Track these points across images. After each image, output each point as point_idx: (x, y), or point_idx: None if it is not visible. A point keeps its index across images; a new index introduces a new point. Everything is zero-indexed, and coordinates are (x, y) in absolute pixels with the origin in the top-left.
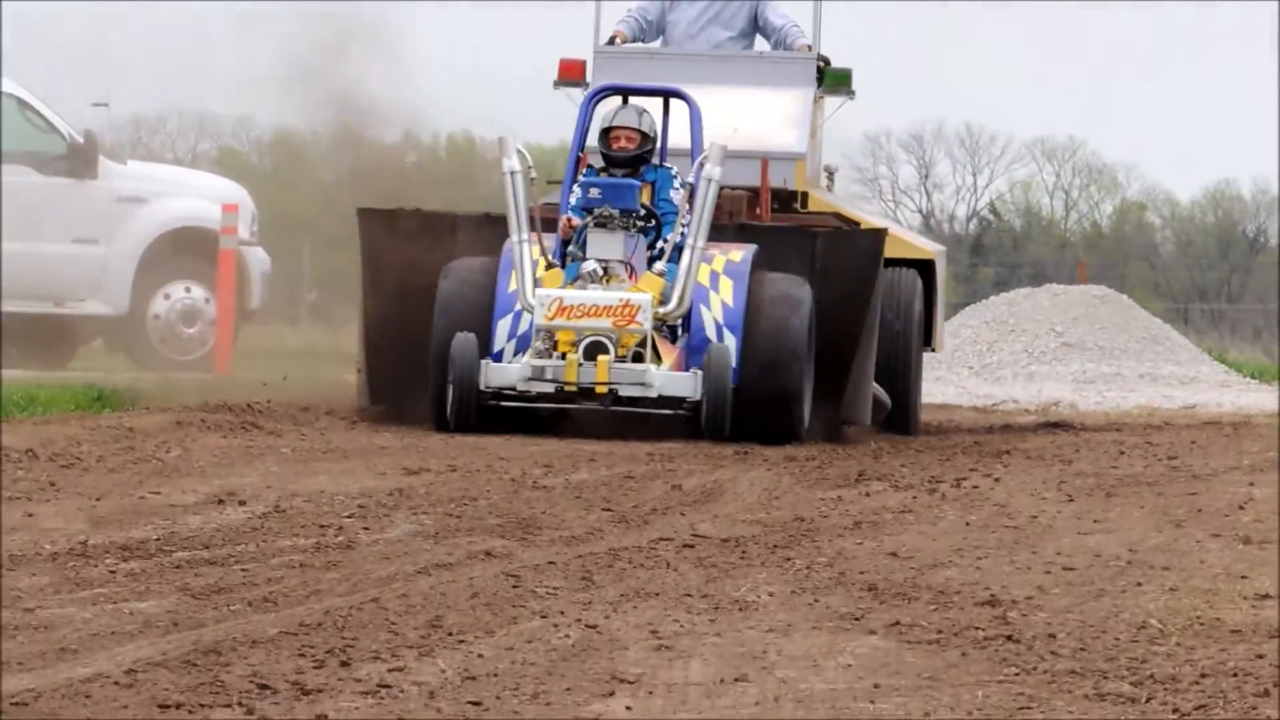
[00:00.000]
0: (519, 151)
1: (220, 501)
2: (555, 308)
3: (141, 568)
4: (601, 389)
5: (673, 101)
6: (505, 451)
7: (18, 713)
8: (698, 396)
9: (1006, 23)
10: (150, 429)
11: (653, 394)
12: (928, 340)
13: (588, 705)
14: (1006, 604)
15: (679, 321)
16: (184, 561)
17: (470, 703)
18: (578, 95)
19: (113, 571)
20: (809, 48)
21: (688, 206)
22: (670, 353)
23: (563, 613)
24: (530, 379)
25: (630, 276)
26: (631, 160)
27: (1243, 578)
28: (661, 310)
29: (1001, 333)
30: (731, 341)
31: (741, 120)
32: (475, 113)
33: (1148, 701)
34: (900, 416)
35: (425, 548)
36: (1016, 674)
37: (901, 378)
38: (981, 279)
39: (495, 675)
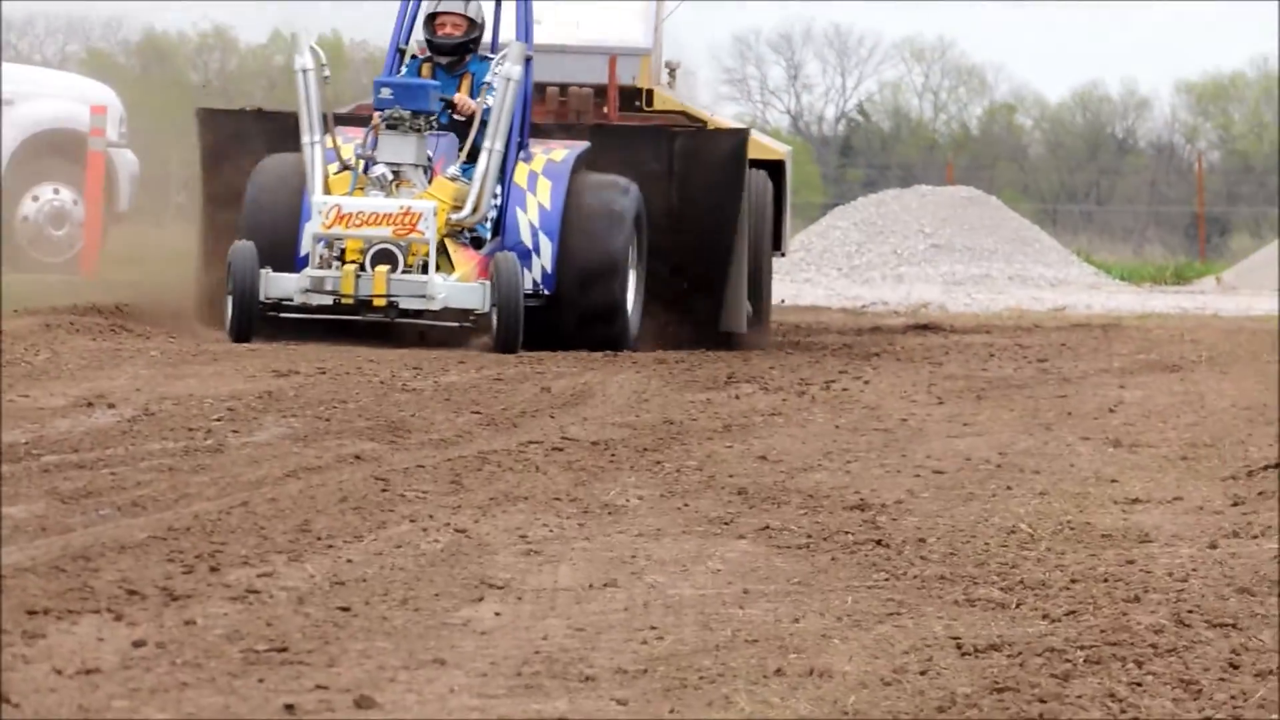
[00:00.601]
0: (312, 49)
1: (89, 404)
2: (333, 216)
3: (10, 471)
4: (380, 301)
5: None
6: (374, 354)
7: None
8: (485, 309)
9: None
10: (18, 332)
11: (436, 306)
12: (776, 244)
13: (457, 610)
14: (876, 508)
15: (486, 227)
16: (52, 465)
17: (339, 608)
18: None
19: None
20: None
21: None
22: (466, 261)
23: (432, 516)
24: (308, 290)
25: (431, 181)
26: (456, 49)
27: (1113, 481)
28: (455, 217)
29: (870, 234)
30: (547, 246)
31: (585, 14)
32: (345, 14)
33: (1018, 606)
34: (753, 321)
35: (294, 451)
36: (886, 579)
37: (753, 281)
38: (850, 180)
39: (364, 580)
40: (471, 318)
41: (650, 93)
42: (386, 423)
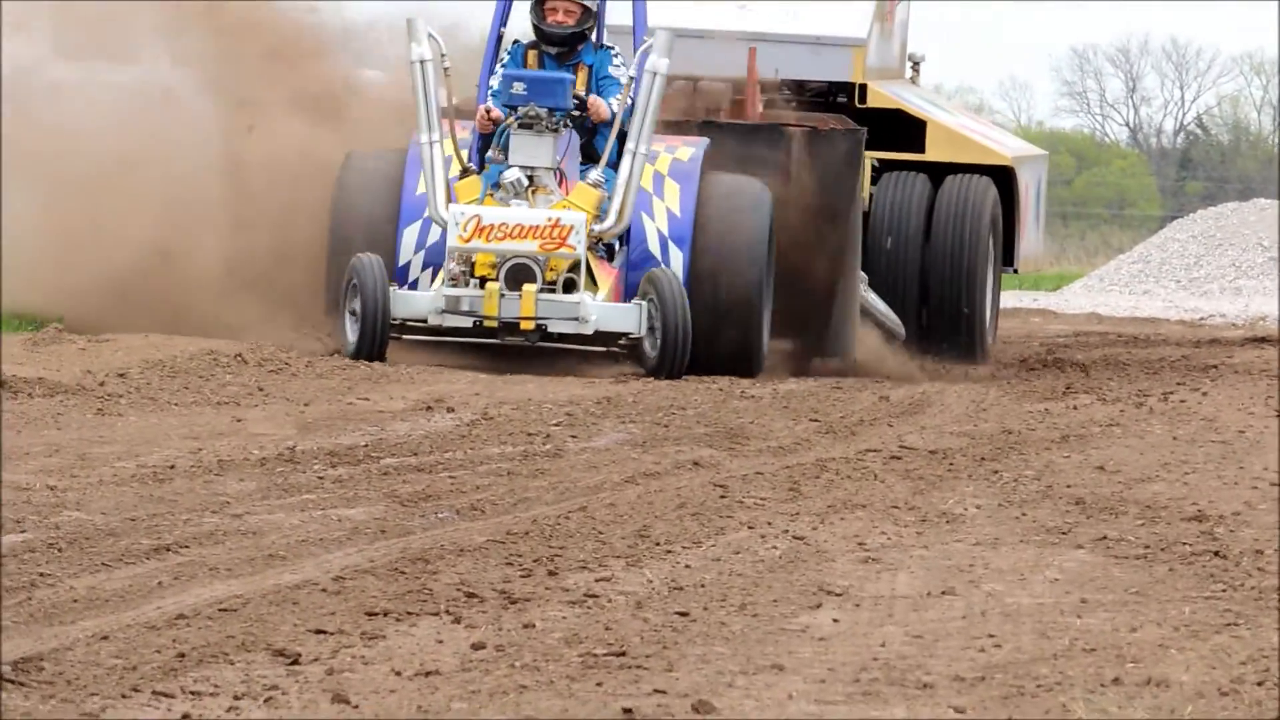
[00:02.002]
0: (431, 36)
1: (428, 408)
2: (472, 227)
3: (349, 474)
4: (528, 324)
5: None
6: None
7: (226, 619)
8: (640, 333)
9: None
10: None
11: (588, 330)
12: (1010, 259)
13: (795, 617)
14: (1214, 519)
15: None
16: (392, 468)
17: (677, 613)
18: None
19: (320, 478)
20: None
21: (629, 102)
22: (607, 277)
23: (770, 523)
24: (444, 310)
25: (561, 185)
26: (569, 38)
27: None
28: (597, 228)
29: (1209, 247)
30: (678, 257)
31: (800, 3)
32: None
33: None
34: (964, 341)
35: (633, 456)
36: (1223, 590)
37: (965, 298)
38: (1190, 192)
39: (702, 586)
40: (623, 342)
41: (864, 88)
42: (725, 429)
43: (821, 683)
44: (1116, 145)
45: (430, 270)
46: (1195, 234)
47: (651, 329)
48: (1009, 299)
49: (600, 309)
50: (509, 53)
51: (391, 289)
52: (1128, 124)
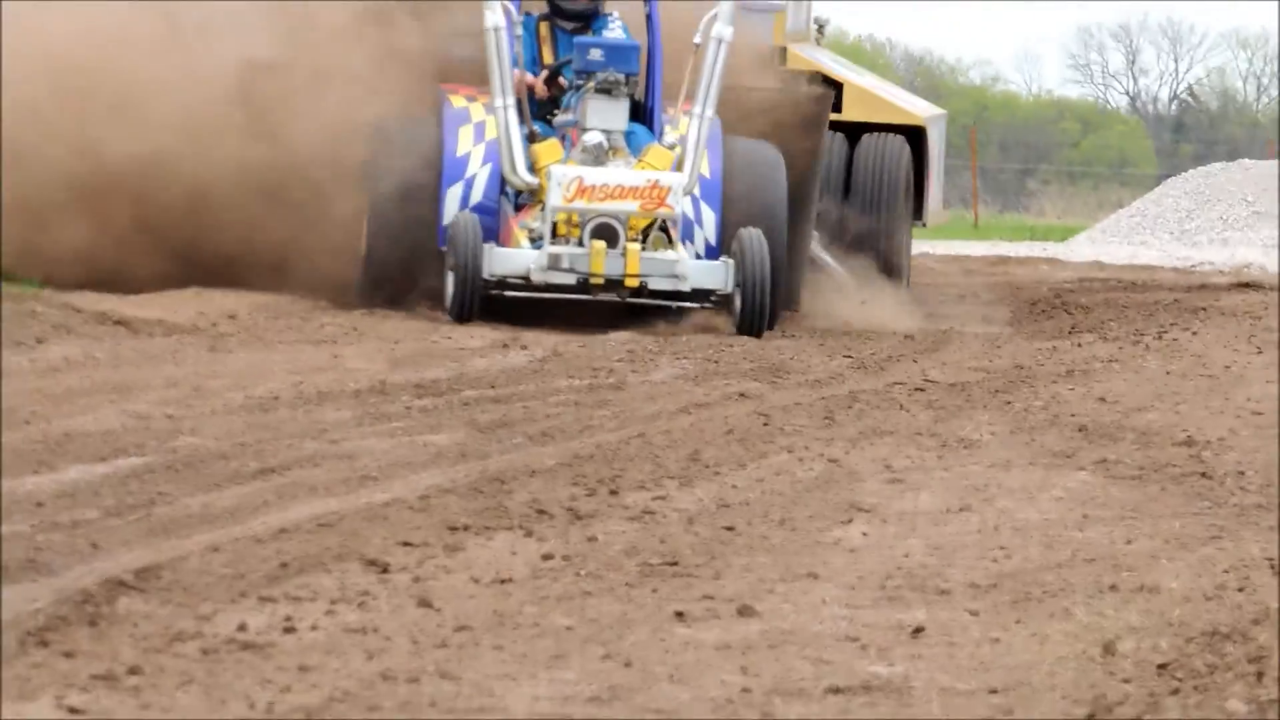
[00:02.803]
0: (504, 5)
1: (505, 346)
2: (575, 188)
3: (434, 404)
4: (633, 281)
5: None
6: None
7: (324, 533)
8: (728, 289)
9: None
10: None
11: (685, 286)
12: (919, 212)
13: (828, 531)
14: (1201, 444)
15: None
16: (472, 399)
17: (724, 528)
18: None
19: (408, 408)
20: None
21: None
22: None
23: (807, 448)
24: (548, 268)
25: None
26: (584, 15)
27: None
28: None
29: (1199, 202)
30: (710, 217)
31: None
32: None
33: None
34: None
35: (686, 389)
36: (1209, 507)
37: (880, 251)
38: (1182, 154)
39: (747, 503)
40: (713, 298)
41: (784, 51)
42: (768, 365)
43: (851, 589)
44: (1118, 112)
45: None
46: (1187, 191)
47: (738, 286)
48: (1022, 249)
49: (694, 266)
50: (523, 25)
51: (489, 247)
52: (1128, 93)
